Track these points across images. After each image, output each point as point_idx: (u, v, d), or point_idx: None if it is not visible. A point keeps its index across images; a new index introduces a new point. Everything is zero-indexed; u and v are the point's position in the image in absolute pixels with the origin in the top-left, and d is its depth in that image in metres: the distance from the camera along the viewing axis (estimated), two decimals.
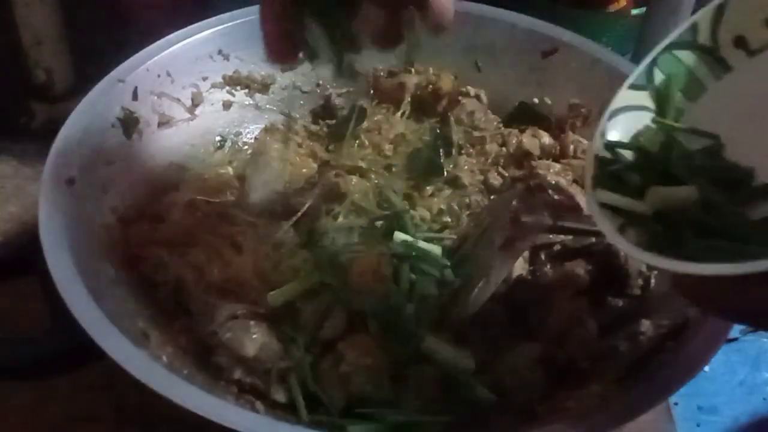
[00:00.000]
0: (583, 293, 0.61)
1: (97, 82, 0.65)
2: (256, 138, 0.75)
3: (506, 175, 0.71)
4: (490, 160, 0.72)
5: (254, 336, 0.54)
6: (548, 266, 0.64)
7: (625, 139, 0.48)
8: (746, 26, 0.46)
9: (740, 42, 0.47)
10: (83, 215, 0.57)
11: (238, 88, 0.75)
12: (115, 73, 0.66)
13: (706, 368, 0.50)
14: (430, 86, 0.77)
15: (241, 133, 0.75)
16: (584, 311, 0.59)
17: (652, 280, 0.60)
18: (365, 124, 0.74)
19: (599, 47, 0.76)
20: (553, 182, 0.68)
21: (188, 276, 0.59)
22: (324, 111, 0.78)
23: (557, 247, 0.65)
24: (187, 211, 0.62)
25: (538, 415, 0.51)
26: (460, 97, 0.77)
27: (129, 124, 0.65)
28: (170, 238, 0.61)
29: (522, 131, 0.75)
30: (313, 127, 0.76)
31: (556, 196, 0.66)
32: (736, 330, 0.70)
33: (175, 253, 0.60)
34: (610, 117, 0.49)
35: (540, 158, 0.72)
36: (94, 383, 0.59)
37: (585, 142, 0.73)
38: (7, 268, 0.65)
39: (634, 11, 0.83)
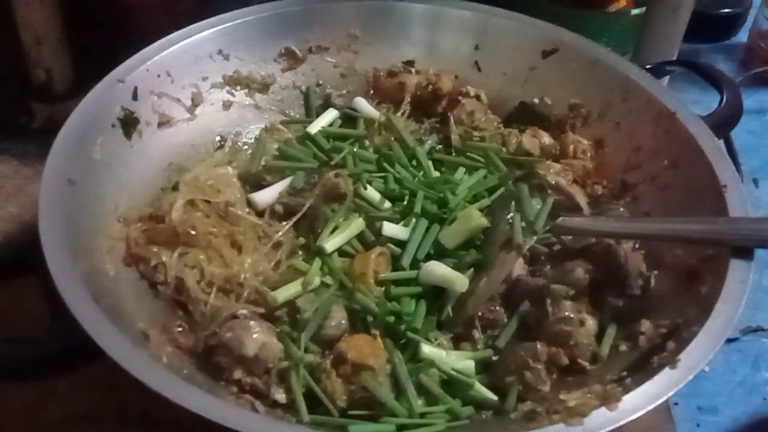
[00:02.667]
0: (583, 293, 0.61)
1: (97, 82, 0.65)
2: (256, 138, 0.75)
3: None
4: None
5: (254, 336, 0.54)
6: (548, 266, 0.64)
7: None
8: None
9: None
10: (83, 215, 0.57)
11: (238, 88, 0.75)
12: (115, 73, 0.66)
13: (706, 368, 0.50)
14: (430, 86, 0.77)
15: (241, 133, 0.75)
16: (584, 311, 0.59)
17: (652, 280, 0.60)
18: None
19: (599, 47, 0.76)
20: (553, 182, 0.68)
21: (188, 276, 0.59)
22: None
23: (557, 247, 0.65)
24: (187, 211, 0.62)
25: (538, 415, 0.51)
26: (460, 97, 0.77)
27: (129, 124, 0.65)
28: (170, 238, 0.61)
29: (522, 131, 0.75)
30: None
31: (556, 197, 0.66)
32: (736, 330, 0.70)
33: (175, 253, 0.60)
34: None
35: (540, 158, 0.73)
36: (94, 383, 0.59)
37: (585, 142, 0.73)
38: (7, 268, 0.65)
39: (634, 11, 0.83)
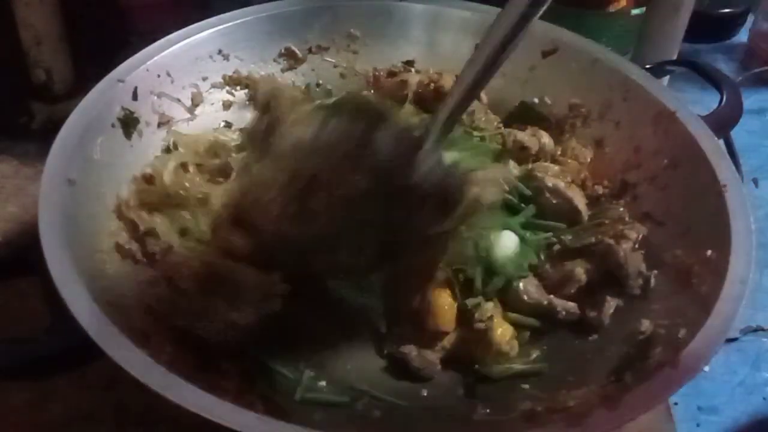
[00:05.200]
0: (583, 293, 0.61)
1: (97, 82, 0.65)
2: None
3: None
4: None
5: None
6: (548, 266, 0.64)
7: None
8: None
9: None
10: (83, 215, 0.57)
11: (238, 88, 0.75)
12: (115, 73, 0.66)
13: (706, 368, 0.50)
14: (432, 84, 0.77)
15: None
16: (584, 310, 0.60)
17: (652, 280, 0.60)
18: None
19: (599, 47, 0.76)
20: (551, 185, 0.68)
21: (174, 241, 0.59)
22: None
23: (557, 247, 0.65)
24: (177, 173, 0.62)
25: (538, 415, 0.51)
26: None
27: (129, 124, 0.65)
28: (162, 199, 0.61)
29: (522, 131, 0.75)
30: None
31: (554, 200, 0.66)
32: (736, 330, 0.70)
33: (166, 217, 0.60)
34: None
35: (538, 158, 0.72)
36: (94, 383, 0.59)
37: (586, 153, 0.73)
38: (7, 268, 0.65)
39: (634, 11, 0.83)
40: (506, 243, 0.62)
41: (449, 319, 0.58)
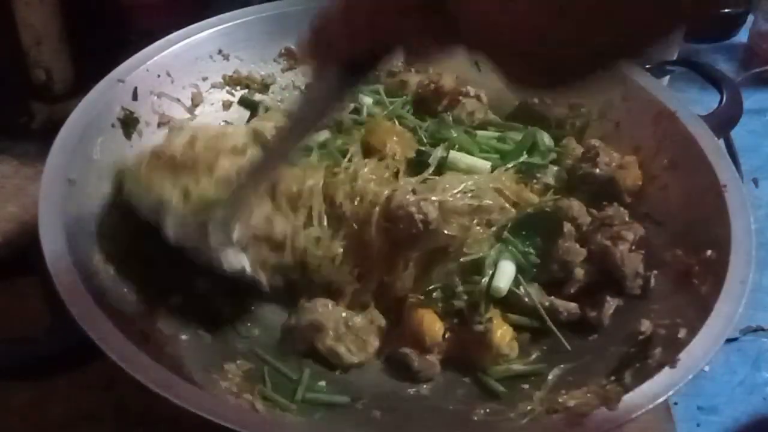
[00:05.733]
0: (584, 293, 0.61)
1: (97, 82, 0.65)
2: None
3: None
4: None
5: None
6: None
7: None
8: None
9: None
10: (83, 215, 0.57)
11: (238, 88, 0.75)
12: (115, 73, 0.66)
13: (706, 368, 0.50)
14: (432, 84, 0.76)
15: None
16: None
17: (652, 280, 0.60)
18: None
19: None
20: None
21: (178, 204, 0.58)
22: None
23: None
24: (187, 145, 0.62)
25: (538, 415, 0.51)
26: (460, 97, 0.76)
27: (129, 124, 0.65)
28: (169, 164, 0.60)
29: None
30: None
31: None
32: (736, 330, 0.70)
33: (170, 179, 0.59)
34: None
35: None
36: (94, 383, 0.59)
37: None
38: (7, 268, 0.65)
39: None
40: (505, 271, 0.60)
41: (436, 330, 0.58)
